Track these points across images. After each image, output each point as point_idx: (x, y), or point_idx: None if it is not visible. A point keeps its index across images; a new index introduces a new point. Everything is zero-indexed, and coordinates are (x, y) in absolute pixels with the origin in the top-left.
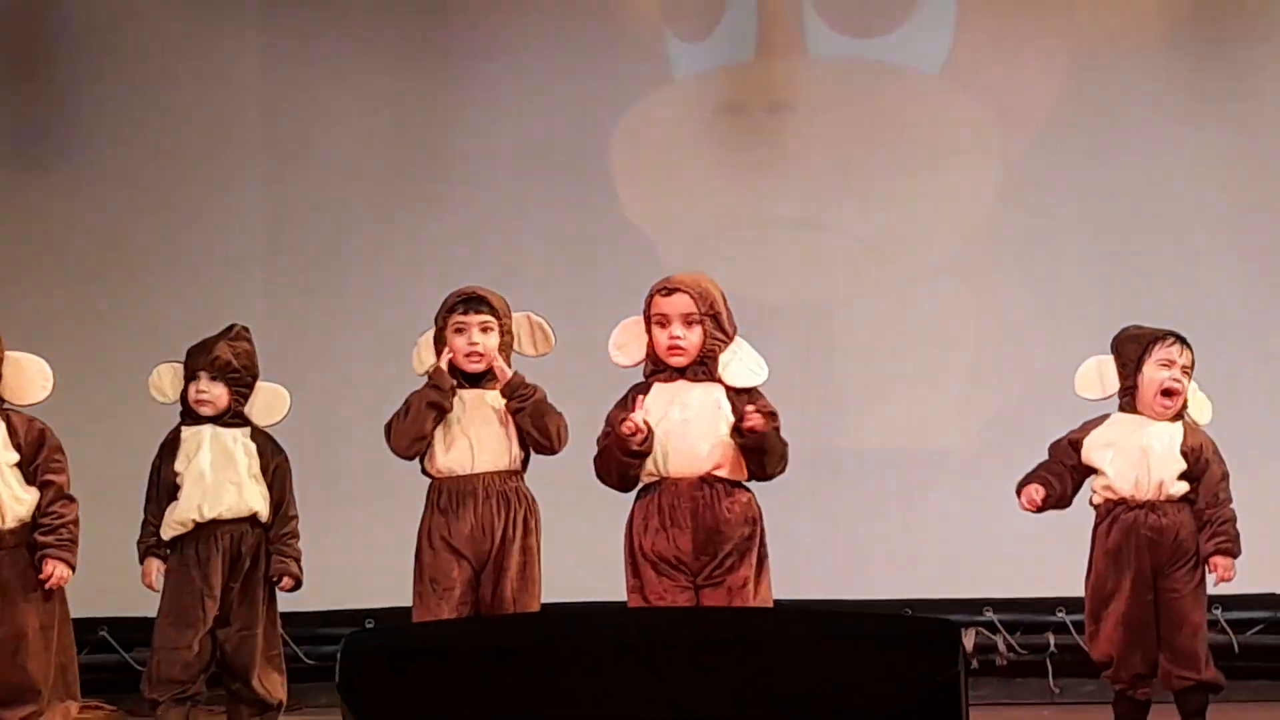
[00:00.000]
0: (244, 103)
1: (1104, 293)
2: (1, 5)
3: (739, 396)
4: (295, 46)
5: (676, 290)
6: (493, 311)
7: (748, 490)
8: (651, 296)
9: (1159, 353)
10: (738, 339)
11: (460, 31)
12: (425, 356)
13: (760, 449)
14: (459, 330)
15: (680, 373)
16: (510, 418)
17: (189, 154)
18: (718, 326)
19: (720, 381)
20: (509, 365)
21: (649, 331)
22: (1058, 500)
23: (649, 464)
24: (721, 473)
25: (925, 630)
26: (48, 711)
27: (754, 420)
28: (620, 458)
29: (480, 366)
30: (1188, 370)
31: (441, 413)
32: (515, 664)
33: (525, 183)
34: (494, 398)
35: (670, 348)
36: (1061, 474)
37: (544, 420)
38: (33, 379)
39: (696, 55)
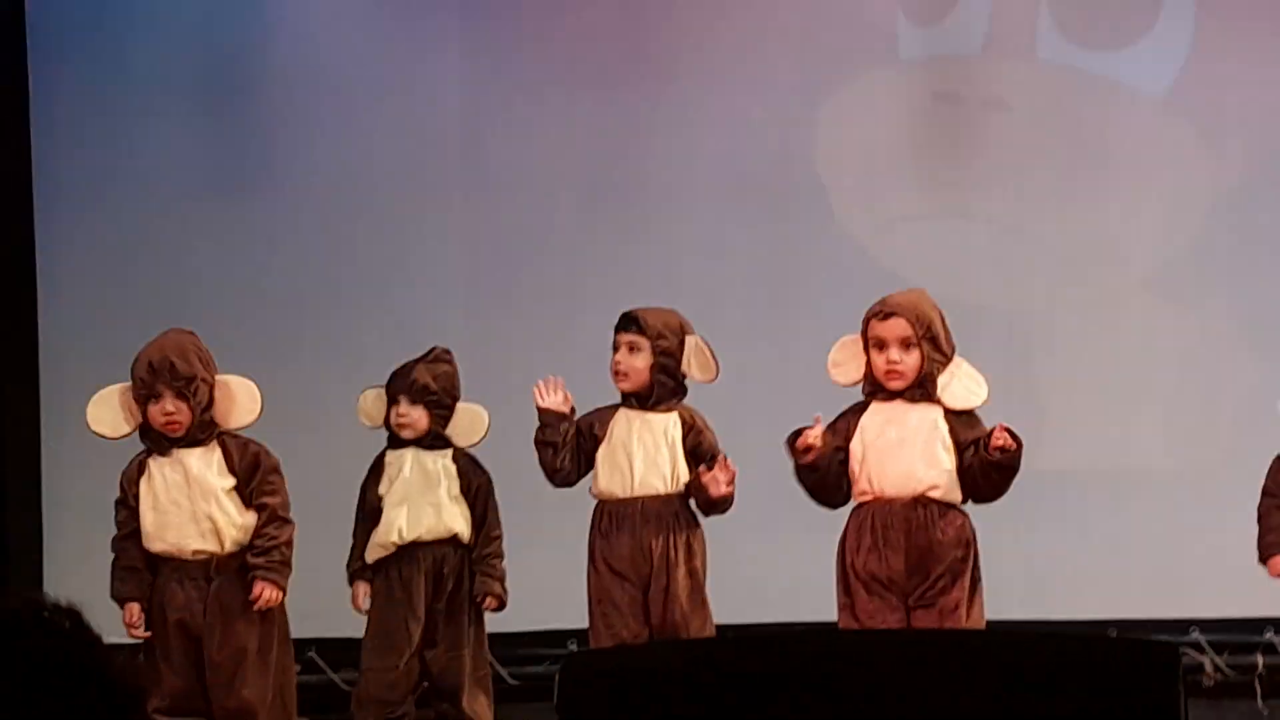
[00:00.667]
0: (445, 127)
1: None
2: (210, 38)
3: (958, 418)
4: (495, 68)
5: (893, 314)
6: (641, 331)
7: (962, 513)
8: (869, 320)
9: None
10: (957, 358)
11: (666, 43)
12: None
13: (1011, 467)
14: (614, 348)
15: (899, 393)
16: (674, 443)
17: (392, 179)
18: (935, 348)
19: (939, 402)
20: (678, 384)
21: (866, 352)
22: None
23: (863, 483)
24: (936, 494)
25: (1143, 653)
26: None
27: (1002, 439)
28: (799, 472)
29: (628, 386)
30: None
31: (554, 448)
32: (731, 686)
33: (728, 194)
34: (658, 420)
35: (888, 372)
36: None
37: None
38: (242, 402)
39: (924, 40)
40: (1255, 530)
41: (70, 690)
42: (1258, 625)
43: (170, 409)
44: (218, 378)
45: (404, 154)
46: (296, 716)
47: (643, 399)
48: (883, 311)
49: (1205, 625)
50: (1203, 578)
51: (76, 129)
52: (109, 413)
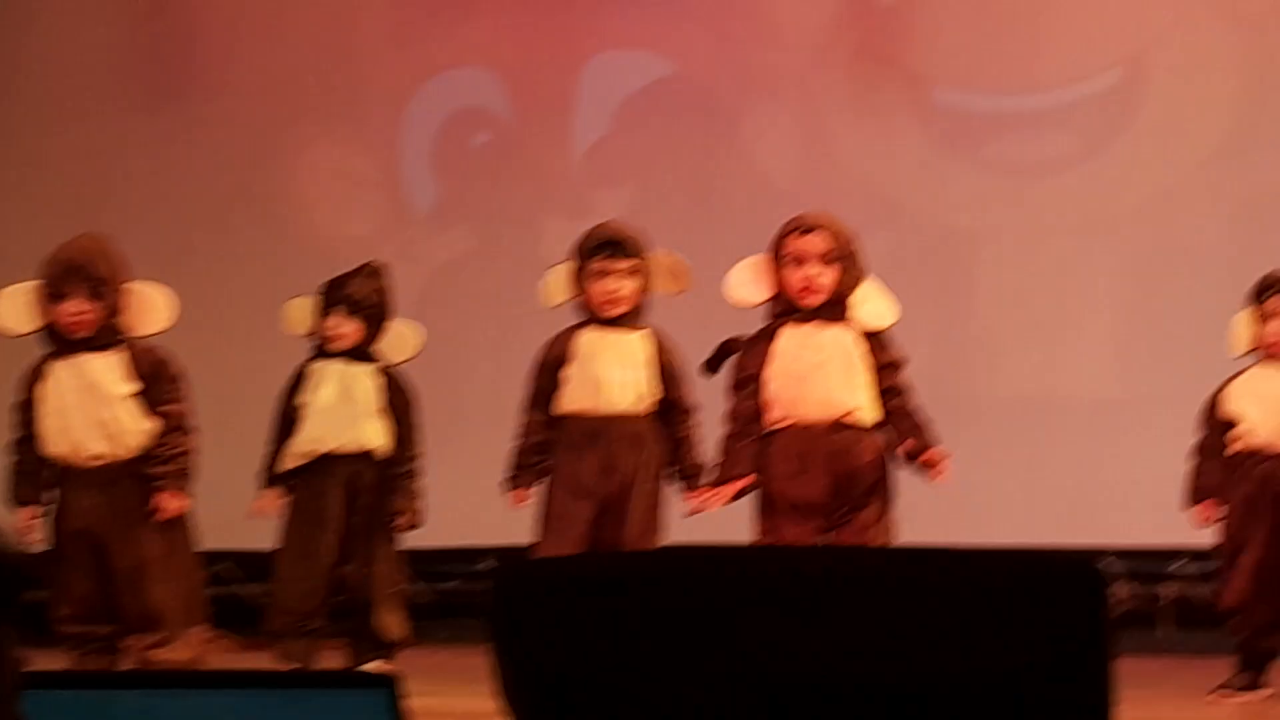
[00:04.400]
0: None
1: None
2: None
3: (872, 338)
4: None
5: (814, 229)
6: (628, 254)
7: (877, 434)
8: (785, 236)
9: (1263, 306)
10: (869, 280)
11: None
12: (554, 290)
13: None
14: (601, 274)
15: (813, 315)
16: (646, 360)
17: (315, 88)
18: (853, 266)
19: (851, 323)
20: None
21: (778, 271)
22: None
23: (780, 410)
24: (856, 417)
25: (1068, 569)
26: (177, 639)
27: (938, 475)
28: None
29: (618, 311)
30: None
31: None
32: (668, 598)
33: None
34: (626, 339)
35: (804, 289)
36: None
37: None
38: (153, 309)
39: None
40: (1169, 463)
41: None
42: (1167, 556)
43: (79, 309)
44: (130, 284)
45: (330, 62)
46: (206, 624)
47: (612, 319)
48: (803, 226)
49: (1119, 553)
50: (1117, 507)
51: None
52: (13, 308)
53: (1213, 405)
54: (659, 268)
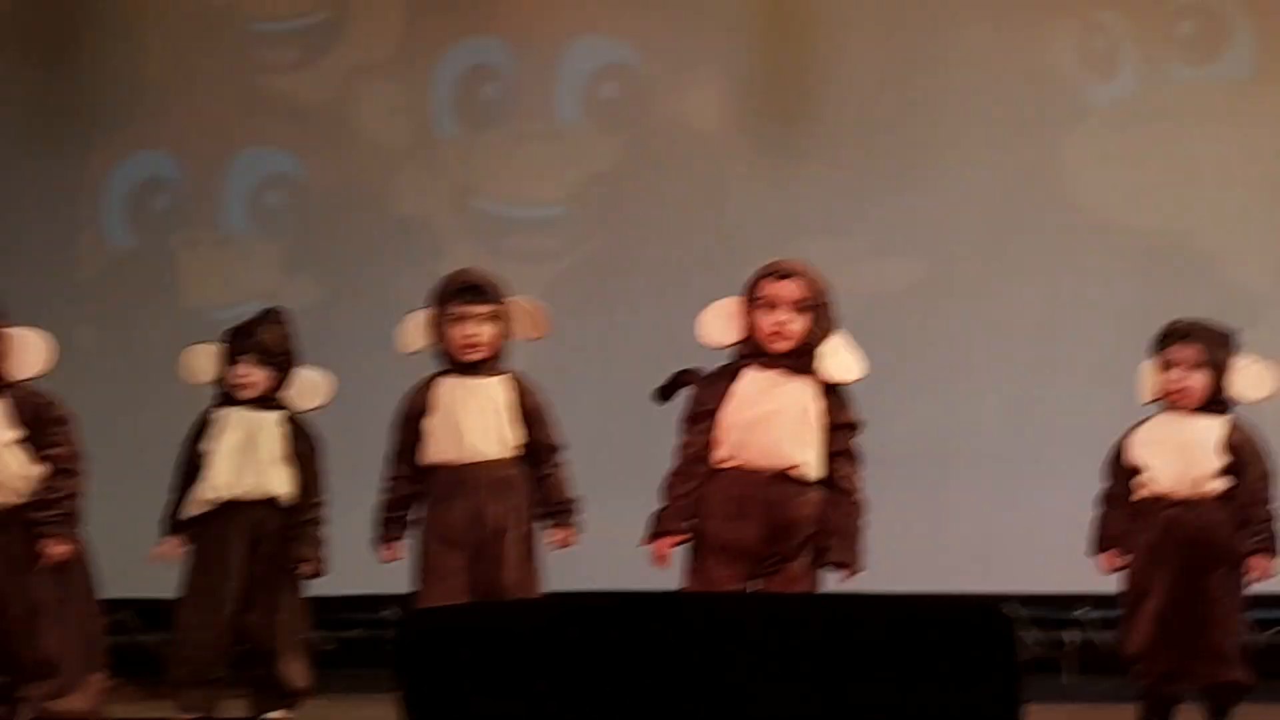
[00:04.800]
0: None
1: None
2: None
3: (832, 395)
4: None
5: (791, 275)
6: (495, 299)
7: (819, 490)
8: (760, 280)
9: (1164, 354)
10: (838, 332)
11: None
12: (413, 335)
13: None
14: (459, 319)
15: (777, 361)
16: (507, 405)
17: None
18: (823, 317)
19: (814, 376)
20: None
21: (749, 316)
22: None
23: (728, 449)
24: (800, 472)
25: (980, 616)
26: (75, 687)
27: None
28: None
29: (477, 356)
30: (1198, 364)
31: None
32: (568, 644)
33: None
34: (485, 385)
35: (774, 333)
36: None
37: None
38: (31, 353)
39: None
40: (1072, 511)
41: None
42: (1073, 602)
43: None
44: (5, 330)
45: None
46: (105, 673)
47: (470, 366)
48: (780, 271)
49: (1024, 600)
50: (1021, 555)
51: None
52: None
53: (1117, 454)
54: (519, 312)
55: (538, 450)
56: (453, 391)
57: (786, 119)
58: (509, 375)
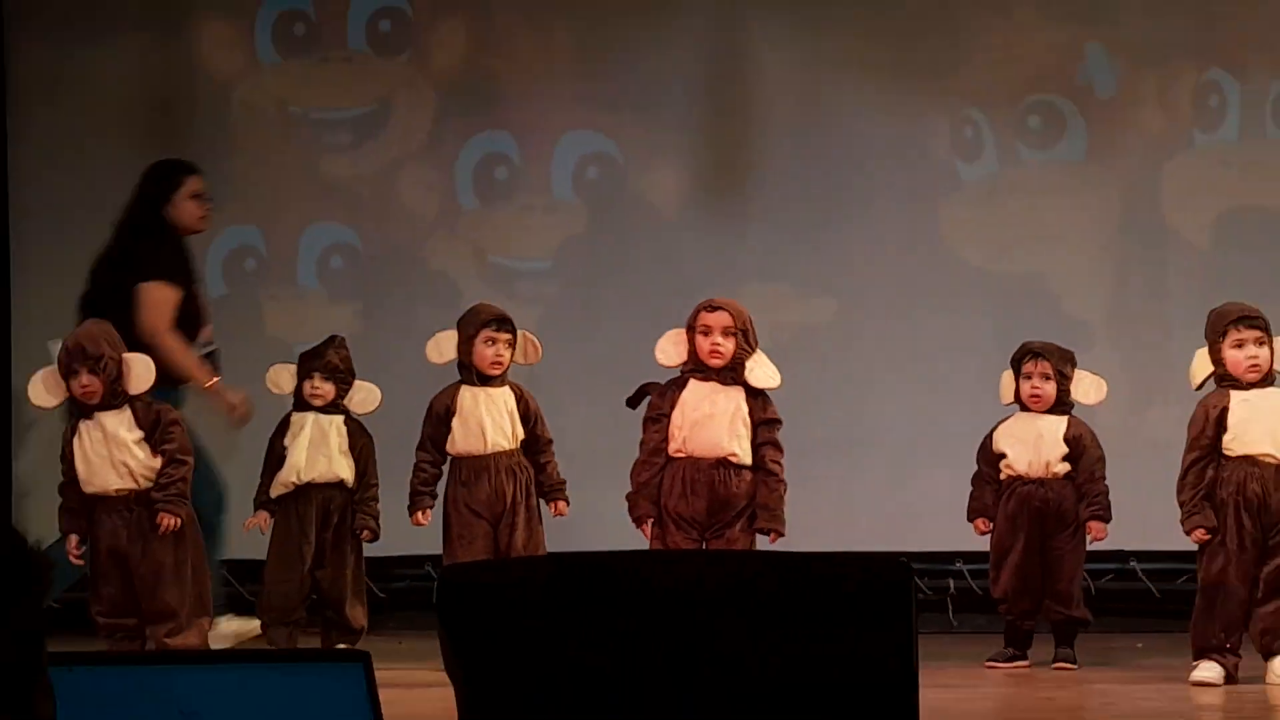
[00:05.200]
0: None
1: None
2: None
3: (755, 399)
4: None
5: (720, 308)
6: (514, 330)
7: (752, 473)
8: (699, 312)
9: (1023, 368)
10: (759, 351)
11: None
12: (445, 350)
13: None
14: (490, 342)
15: (714, 375)
16: (513, 409)
17: None
18: (746, 340)
19: (742, 386)
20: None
21: (691, 340)
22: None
23: (678, 444)
24: (735, 460)
25: (882, 566)
26: (187, 628)
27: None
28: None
29: (499, 372)
30: (1047, 376)
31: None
32: (575, 594)
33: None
34: (498, 394)
35: (711, 352)
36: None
37: None
38: (140, 373)
39: None
40: (954, 488)
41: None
42: (951, 557)
43: (85, 382)
44: (124, 355)
45: None
46: (210, 617)
47: (487, 378)
48: (712, 305)
49: (916, 555)
50: (914, 522)
51: None
52: (41, 389)
53: (985, 444)
54: (524, 342)
55: (535, 443)
56: (475, 397)
57: (727, 194)
58: (512, 385)
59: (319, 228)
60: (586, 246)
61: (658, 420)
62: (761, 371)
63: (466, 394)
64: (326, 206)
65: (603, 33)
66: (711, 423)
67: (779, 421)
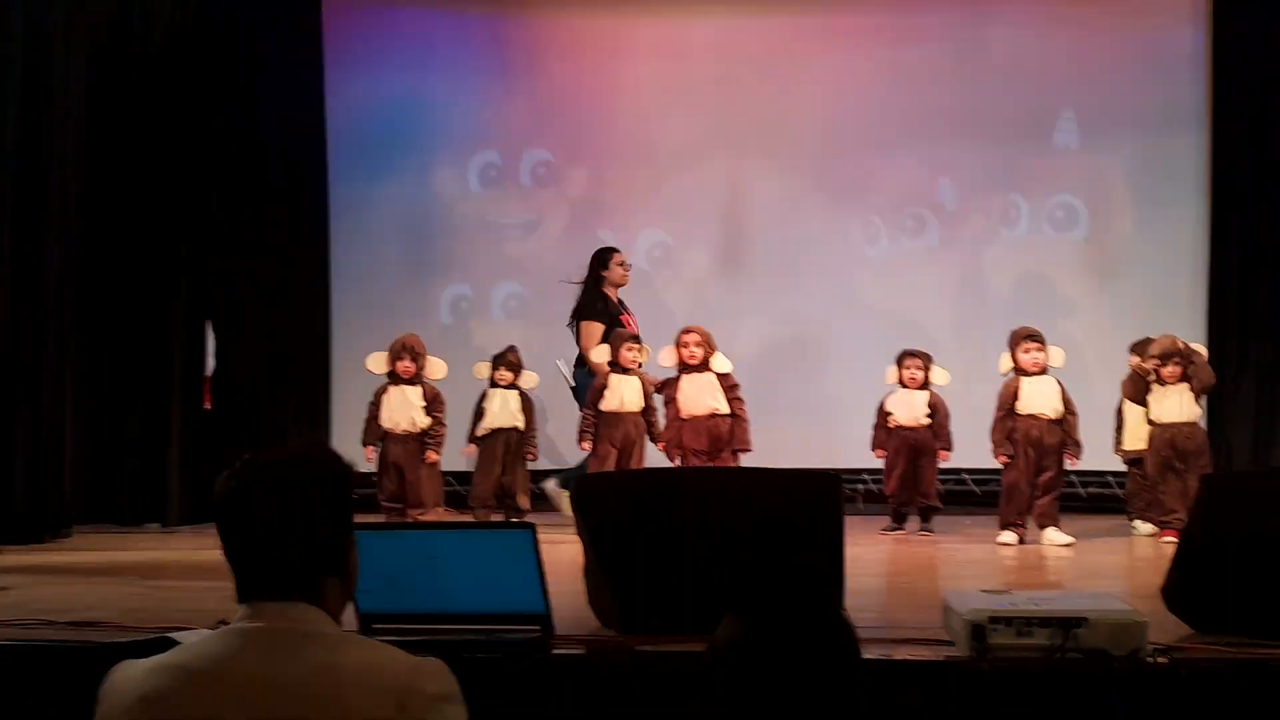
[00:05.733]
0: None
1: (897, 342)
2: None
3: (722, 378)
4: None
5: (693, 330)
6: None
7: (728, 419)
8: (680, 335)
9: (904, 365)
10: (718, 352)
11: None
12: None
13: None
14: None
15: (695, 369)
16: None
17: None
18: (708, 346)
19: (712, 370)
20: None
21: (679, 351)
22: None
23: (683, 410)
24: (719, 411)
25: (816, 478)
26: (431, 511)
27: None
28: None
29: (508, 384)
30: (919, 368)
31: None
32: (661, 497)
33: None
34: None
35: (689, 357)
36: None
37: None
38: (437, 368)
39: None
40: (863, 431)
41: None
42: (860, 471)
43: (408, 364)
44: (425, 358)
45: None
46: (444, 504)
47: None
48: (689, 329)
49: (844, 470)
50: (839, 449)
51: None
52: (377, 363)
53: (881, 406)
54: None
55: (649, 409)
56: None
57: (728, 270)
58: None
59: (503, 284)
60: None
61: (669, 401)
62: (720, 364)
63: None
64: (508, 271)
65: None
66: (701, 394)
67: (739, 386)
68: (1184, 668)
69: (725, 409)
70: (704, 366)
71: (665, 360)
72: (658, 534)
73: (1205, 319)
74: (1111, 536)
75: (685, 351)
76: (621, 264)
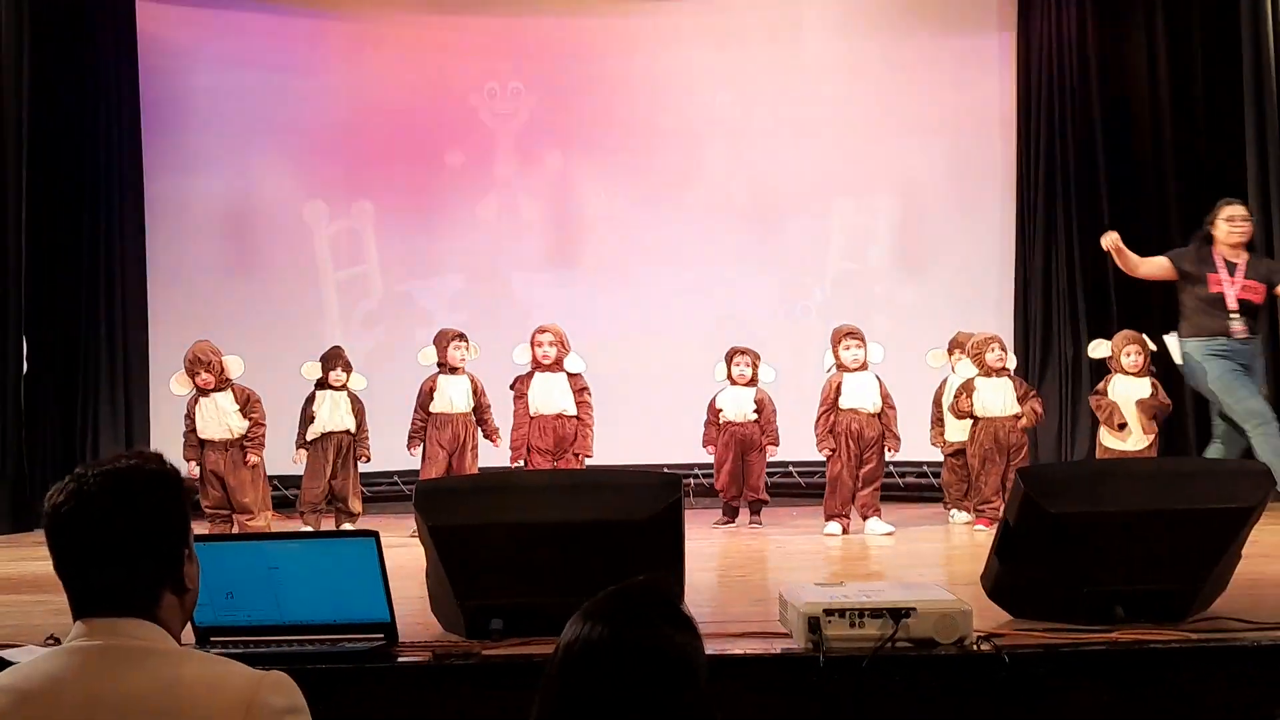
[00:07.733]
0: None
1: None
2: None
3: (574, 377)
4: None
5: (548, 331)
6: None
7: (578, 421)
8: (535, 334)
9: (731, 361)
10: (572, 352)
11: None
12: (430, 358)
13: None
14: (457, 349)
15: (547, 368)
16: (469, 388)
17: None
18: (563, 346)
19: (564, 371)
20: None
21: (533, 349)
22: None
23: (534, 409)
24: (568, 412)
25: (660, 479)
26: (258, 516)
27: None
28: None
29: (462, 369)
30: (749, 365)
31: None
32: (496, 492)
33: None
34: (461, 378)
35: (544, 356)
36: (713, 430)
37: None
38: (236, 367)
39: None
40: (696, 430)
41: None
42: (692, 466)
43: (205, 377)
44: (223, 358)
45: None
46: (271, 511)
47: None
48: (543, 329)
49: (677, 465)
50: (676, 449)
51: None
52: (180, 384)
53: (712, 404)
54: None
55: (479, 408)
56: (447, 381)
57: (559, 267)
58: (467, 374)
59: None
60: None
61: (519, 397)
62: (573, 364)
63: (441, 380)
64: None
65: None
66: (553, 393)
67: (588, 389)
68: (1006, 653)
69: (574, 410)
70: (557, 366)
71: (519, 357)
72: (501, 537)
73: (1013, 316)
74: (929, 525)
75: (539, 351)
76: None
